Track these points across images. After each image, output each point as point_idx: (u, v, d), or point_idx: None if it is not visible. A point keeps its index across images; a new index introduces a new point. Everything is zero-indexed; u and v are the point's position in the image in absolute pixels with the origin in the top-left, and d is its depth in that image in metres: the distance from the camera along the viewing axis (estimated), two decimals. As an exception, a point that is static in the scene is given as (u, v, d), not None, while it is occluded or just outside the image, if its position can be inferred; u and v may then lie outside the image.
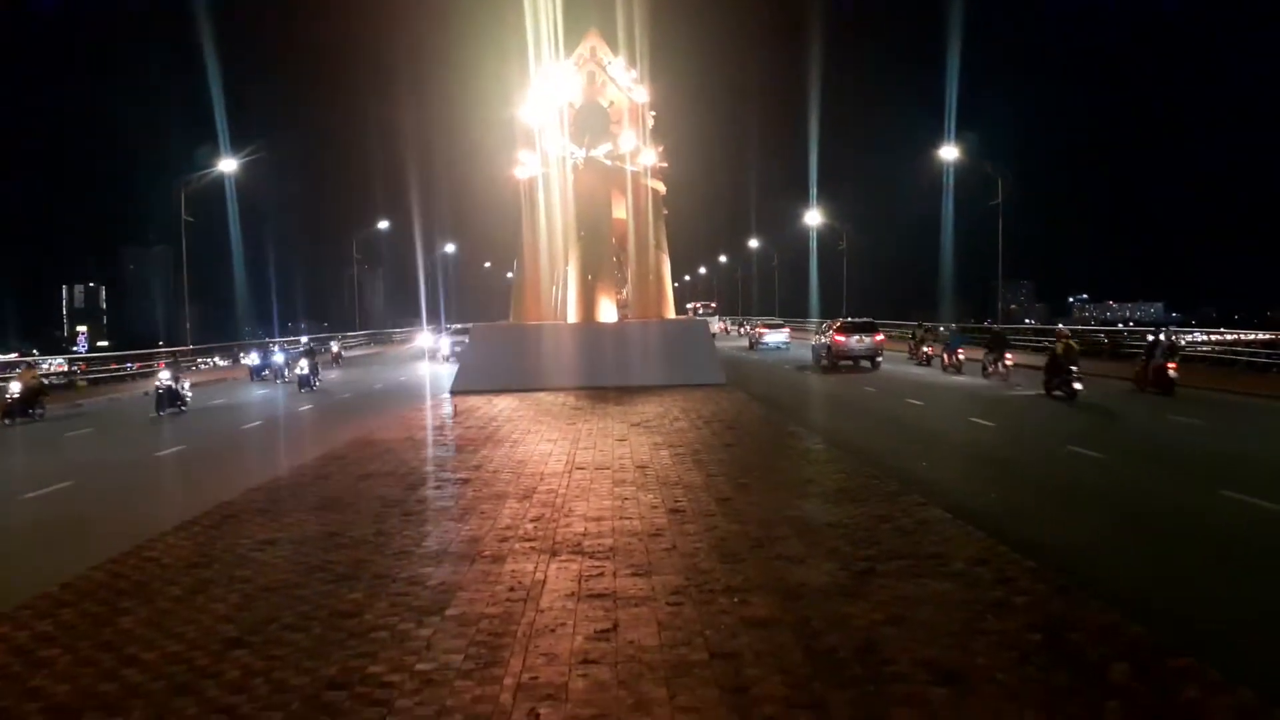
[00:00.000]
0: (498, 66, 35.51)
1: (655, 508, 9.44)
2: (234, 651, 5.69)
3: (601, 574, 7.12)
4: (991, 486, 11.55)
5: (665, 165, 37.10)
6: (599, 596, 6.58)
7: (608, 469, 11.81)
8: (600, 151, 30.59)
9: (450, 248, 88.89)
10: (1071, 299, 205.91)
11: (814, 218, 67.27)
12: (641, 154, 32.28)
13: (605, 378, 22.91)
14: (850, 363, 30.75)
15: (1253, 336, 41.20)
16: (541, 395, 22.09)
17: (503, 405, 20.18)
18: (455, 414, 18.90)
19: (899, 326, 48.97)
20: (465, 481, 11.29)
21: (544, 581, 6.99)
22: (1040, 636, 5.64)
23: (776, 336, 44.45)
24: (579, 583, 6.91)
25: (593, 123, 31.90)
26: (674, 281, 41.22)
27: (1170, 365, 21.75)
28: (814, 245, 71.07)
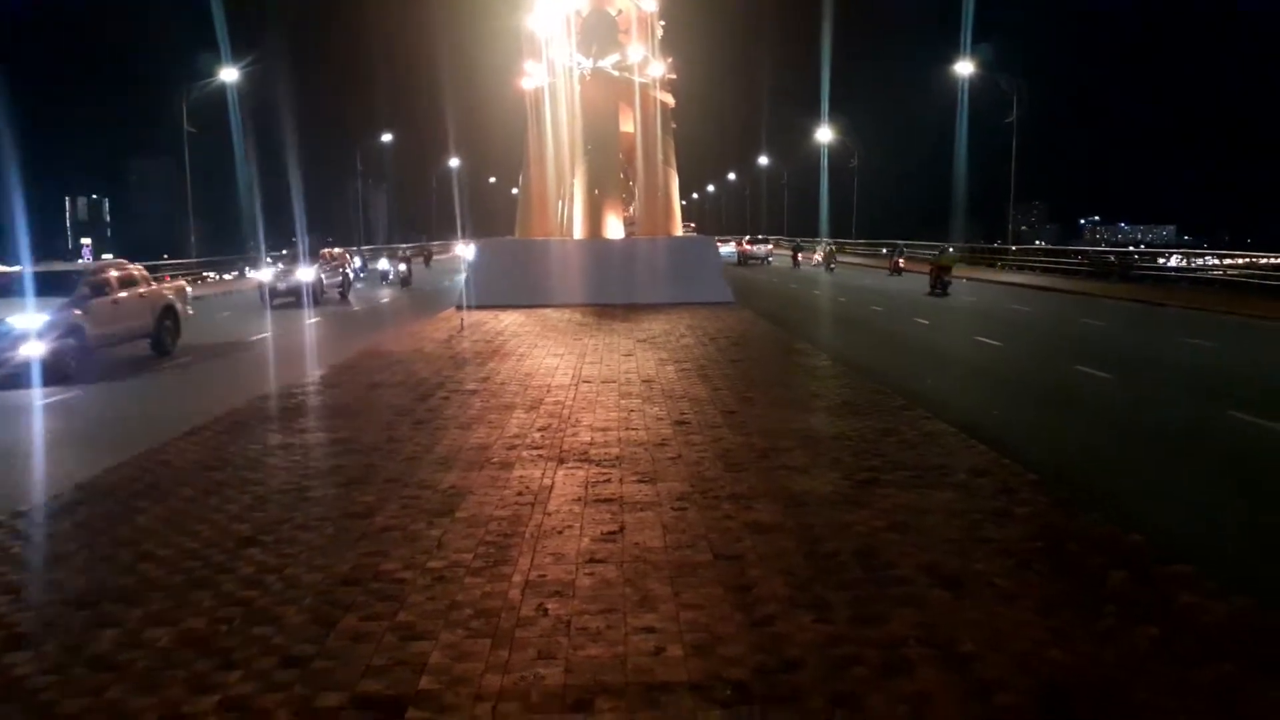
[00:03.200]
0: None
1: (660, 420, 9.52)
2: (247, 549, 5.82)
3: (608, 480, 7.22)
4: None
5: (674, 77, 36.30)
6: (605, 501, 6.68)
7: (614, 383, 11.87)
8: (608, 62, 29.89)
9: (454, 162, 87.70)
10: (1083, 220, 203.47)
11: (825, 135, 66.00)
12: (650, 65, 31.55)
13: (612, 294, 22.85)
14: (756, 261, 52.66)
15: (1266, 260, 40.80)
16: (548, 311, 22.07)
17: (510, 321, 20.21)
18: (462, 328, 18.95)
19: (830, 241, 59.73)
20: (473, 392, 11.37)
21: (551, 487, 7.09)
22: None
23: (762, 249, 56.64)
24: (585, 488, 7.01)
25: (600, 32, 31.09)
26: (682, 199, 40.76)
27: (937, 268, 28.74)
28: (824, 164, 69.84)
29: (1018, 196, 52.05)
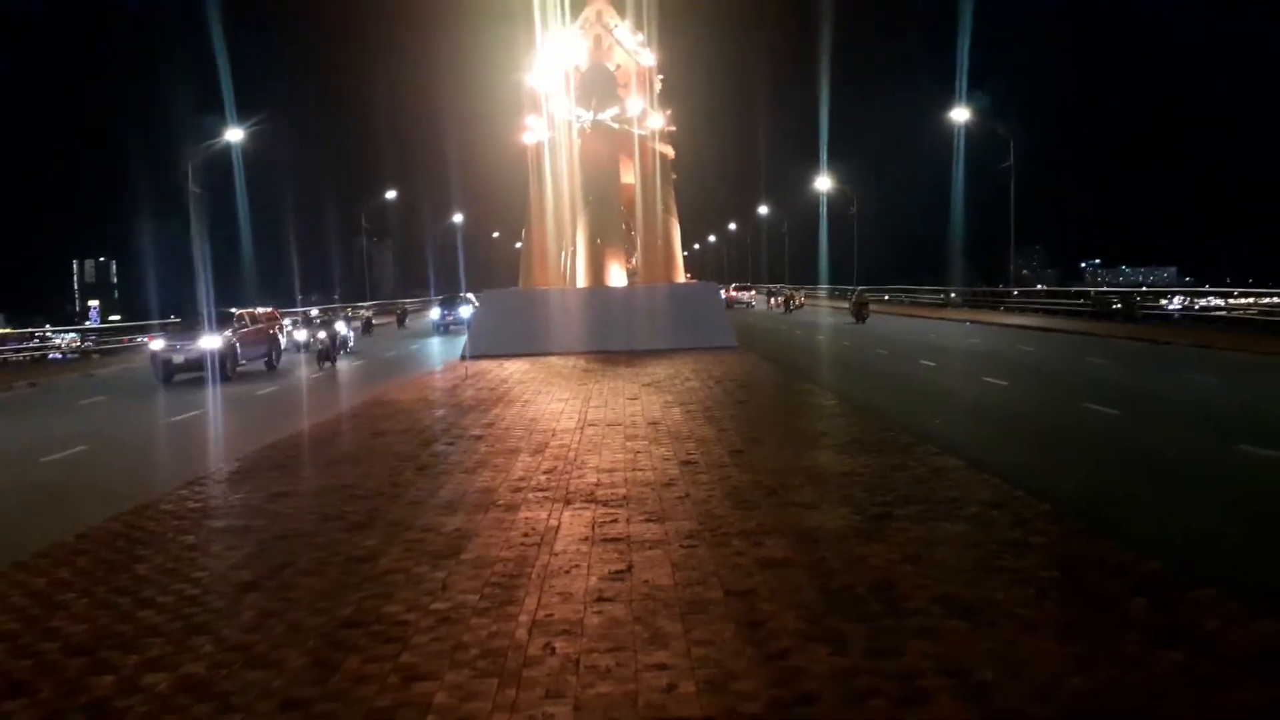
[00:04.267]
0: (503, 32, 35.13)
1: (668, 460, 9.44)
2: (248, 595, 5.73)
3: (615, 520, 7.12)
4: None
5: (673, 129, 36.82)
6: (613, 541, 6.58)
7: (619, 425, 11.81)
8: (607, 115, 30.35)
9: (458, 218, 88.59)
10: (1084, 264, 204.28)
11: (824, 183, 66.70)
12: (649, 117, 32.01)
13: (615, 342, 22.87)
14: (742, 305, 57.86)
15: (1269, 300, 40.77)
16: (552, 359, 22.08)
17: (513, 368, 20.19)
18: (467, 376, 18.92)
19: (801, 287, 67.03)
20: (479, 438, 11.30)
21: (558, 527, 7.00)
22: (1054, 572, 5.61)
23: (745, 295, 63.74)
24: (593, 528, 6.92)
25: (599, 86, 31.62)
26: (684, 250, 41.07)
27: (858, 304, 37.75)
28: (824, 212, 70.45)
29: (1018, 240, 52.33)
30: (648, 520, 7.09)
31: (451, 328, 35.67)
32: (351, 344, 26.89)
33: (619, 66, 33.87)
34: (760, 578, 5.68)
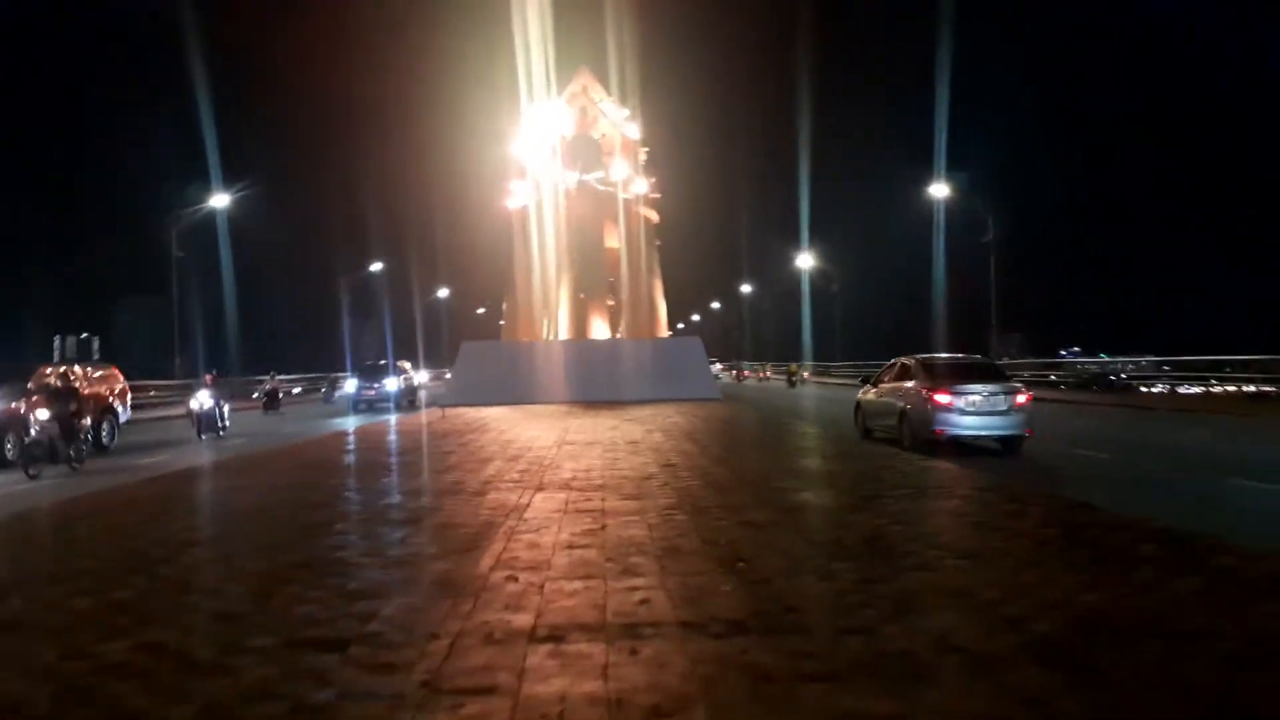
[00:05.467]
0: (488, 106, 35.72)
1: (647, 464, 9.06)
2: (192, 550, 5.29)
3: (589, 500, 6.74)
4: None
5: (657, 196, 37.25)
6: (586, 512, 6.20)
7: (598, 444, 11.42)
8: (592, 177, 30.68)
9: (444, 292, 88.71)
10: (1064, 352, 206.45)
11: (805, 261, 67.44)
12: (633, 182, 32.38)
13: (599, 392, 22.52)
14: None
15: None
16: (533, 406, 21.68)
17: (493, 411, 19.79)
18: (444, 416, 18.48)
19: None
20: (451, 453, 10.89)
21: (528, 504, 6.60)
22: (1056, 531, 5.29)
23: (715, 367, 64.14)
24: (565, 506, 6.52)
25: (584, 152, 32.04)
26: (669, 328, 41.09)
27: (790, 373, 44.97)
28: (807, 289, 70.95)
29: (997, 329, 52.54)
30: (624, 499, 6.72)
31: (377, 404, 25.63)
32: (223, 422, 17.81)
33: (604, 135, 34.42)
34: (743, 534, 5.32)
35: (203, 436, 16.89)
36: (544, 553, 4.86)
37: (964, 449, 11.03)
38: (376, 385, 26.63)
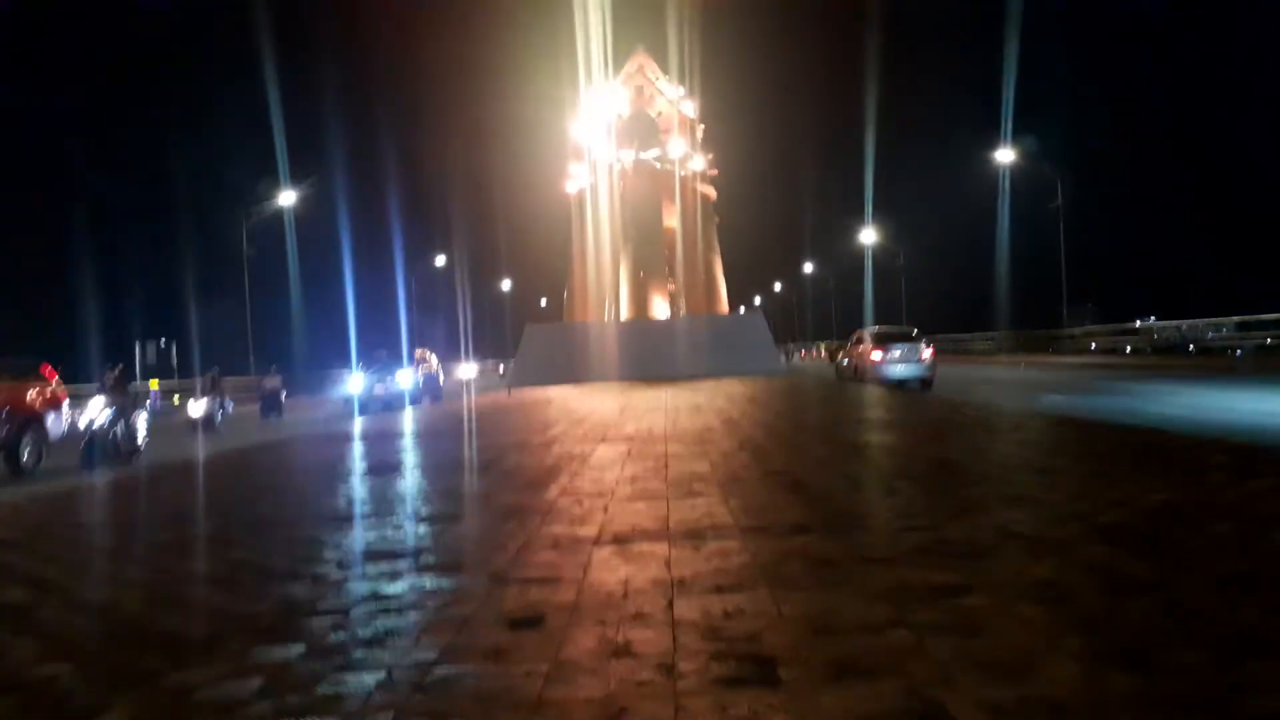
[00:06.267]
0: (548, 92, 35.94)
1: (709, 422, 9.10)
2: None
3: (653, 448, 6.80)
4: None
5: (715, 173, 37.15)
6: (649, 456, 6.26)
7: (659, 409, 11.47)
8: (649, 155, 30.75)
9: (506, 284, 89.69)
10: (1139, 321, 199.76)
11: (869, 236, 66.40)
12: (691, 159, 32.37)
13: (660, 369, 22.60)
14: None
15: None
16: (596, 384, 21.87)
17: (557, 390, 20.04)
18: (509, 395, 18.78)
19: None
20: (514, 424, 11.08)
21: (592, 452, 6.70)
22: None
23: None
24: (629, 453, 6.59)
25: (641, 130, 32.15)
26: (730, 310, 41.00)
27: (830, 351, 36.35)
28: (869, 267, 69.85)
29: (1069, 299, 50.71)
30: (686, 446, 6.77)
31: (393, 404, 20.12)
32: (135, 441, 11.43)
33: (660, 114, 34.47)
34: (805, 462, 5.33)
35: (93, 465, 10.36)
36: (608, 485, 4.95)
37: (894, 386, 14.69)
38: (387, 382, 20.96)
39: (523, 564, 3.17)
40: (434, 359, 24.96)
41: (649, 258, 29.48)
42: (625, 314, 28.31)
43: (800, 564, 2.94)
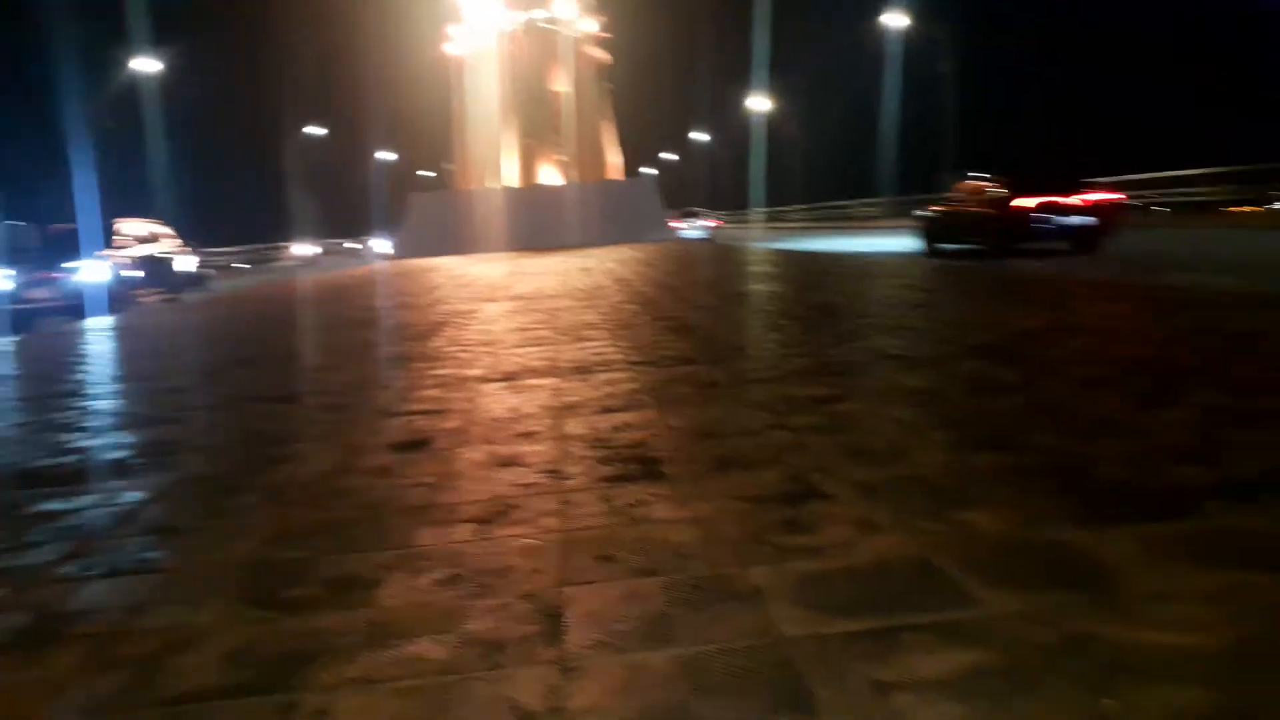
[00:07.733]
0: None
1: (599, 282, 9.01)
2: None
3: (541, 304, 6.74)
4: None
5: (608, 36, 35.80)
6: (538, 310, 6.21)
7: (549, 272, 11.34)
8: (538, 16, 29.30)
9: (385, 155, 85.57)
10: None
11: (760, 104, 65.94)
12: (580, 20, 31.03)
13: (550, 238, 22.28)
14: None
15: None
16: (484, 255, 21.45)
17: (443, 260, 19.58)
18: (391, 268, 18.26)
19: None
20: (404, 275, 10.79)
21: (478, 310, 6.60)
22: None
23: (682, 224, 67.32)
24: (517, 309, 6.52)
25: (529, -10, 30.47)
26: (625, 177, 40.30)
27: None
28: (762, 135, 69.59)
29: (954, 169, 51.69)
30: (576, 301, 6.72)
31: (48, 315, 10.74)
32: None
33: (548, -29, 32.68)
34: (693, 310, 5.39)
35: None
36: (495, 335, 4.89)
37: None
38: (50, 280, 11.39)
39: (408, 399, 3.13)
40: (174, 238, 14.46)
41: (538, 124, 28.56)
42: (515, 183, 27.60)
43: (687, 387, 2.99)
